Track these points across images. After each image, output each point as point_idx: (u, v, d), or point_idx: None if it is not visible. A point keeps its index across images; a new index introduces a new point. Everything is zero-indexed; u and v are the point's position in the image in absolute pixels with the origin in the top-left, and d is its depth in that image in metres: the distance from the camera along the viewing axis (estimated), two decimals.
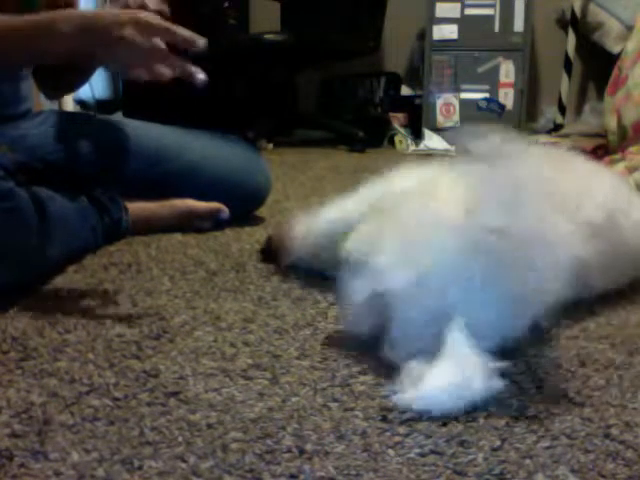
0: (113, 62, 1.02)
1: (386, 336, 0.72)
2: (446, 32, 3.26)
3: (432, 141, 3.11)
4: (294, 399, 0.68)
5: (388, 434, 0.61)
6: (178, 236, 1.34)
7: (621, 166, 1.75)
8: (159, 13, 1.01)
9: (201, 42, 0.95)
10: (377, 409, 0.66)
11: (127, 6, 1.02)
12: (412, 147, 3.09)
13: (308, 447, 0.59)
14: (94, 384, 0.70)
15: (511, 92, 3.25)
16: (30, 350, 0.79)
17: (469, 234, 0.70)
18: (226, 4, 3.22)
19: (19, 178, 1.03)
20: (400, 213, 0.77)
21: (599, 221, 0.91)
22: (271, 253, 1.01)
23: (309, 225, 1.00)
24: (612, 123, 2.16)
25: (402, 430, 0.62)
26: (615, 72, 2.30)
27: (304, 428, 0.62)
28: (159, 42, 0.94)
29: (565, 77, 3.41)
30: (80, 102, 3.32)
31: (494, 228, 0.69)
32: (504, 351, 0.70)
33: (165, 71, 0.94)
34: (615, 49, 3.06)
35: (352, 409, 0.66)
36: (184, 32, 0.95)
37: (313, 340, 0.83)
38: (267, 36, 2.97)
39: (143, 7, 1.01)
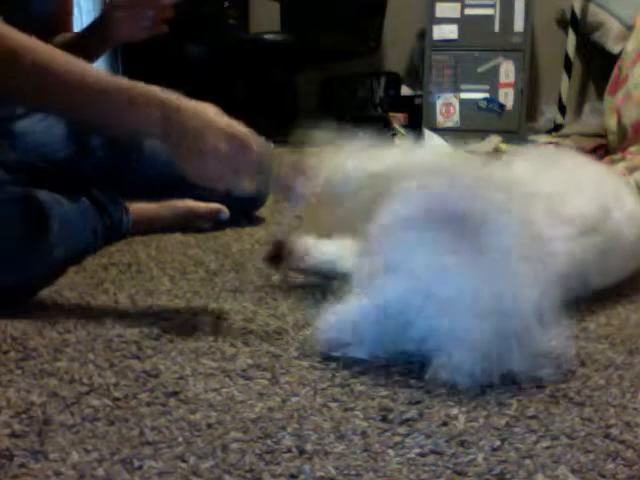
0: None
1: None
2: (446, 32, 3.26)
3: (432, 141, 3.11)
4: (294, 399, 0.68)
5: (388, 434, 0.61)
6: (178, 236, 1.34)
7: (621, 166, 1.75)
8: None
9: None
10: (377, 409, 0.66)
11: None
12: None
13: (308, 447, 0.59)
14: (94, 384, 0.70)
15: (511, 92, 3.25)
16: (30, 350, 0.78)
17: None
18: (226, 4, 3.22)
19: (20, 178, 1.03)
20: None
21: (591, 214, 0.90)
22: (279, 258, 1.00)
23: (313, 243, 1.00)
24: (612, 123, 2.16)
25: (402, 430, 0.62)
26: (615, 72, 2.30)
27: (304, 428, 0.62)
28: None
29: (565, 77, 3.41)
30: None
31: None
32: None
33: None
34: (615, 49, 3.06)
35: (352, 409, 0.66)
36: None
37: (313, 340, 0.82)
38: (267, 36, 2.98)
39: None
